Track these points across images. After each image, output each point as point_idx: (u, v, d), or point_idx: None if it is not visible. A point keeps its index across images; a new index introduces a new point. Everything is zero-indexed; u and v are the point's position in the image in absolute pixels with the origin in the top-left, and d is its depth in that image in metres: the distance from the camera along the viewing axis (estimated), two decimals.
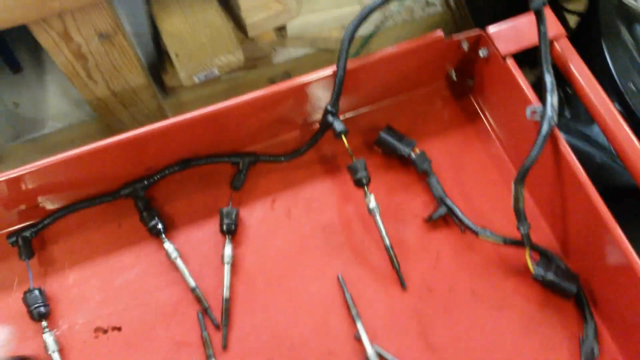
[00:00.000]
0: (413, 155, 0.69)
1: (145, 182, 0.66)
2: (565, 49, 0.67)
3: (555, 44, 0.68)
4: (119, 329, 0.63)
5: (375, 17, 1.09)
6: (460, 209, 0.67)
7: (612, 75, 0.81)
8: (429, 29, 1.13)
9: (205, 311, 0.63)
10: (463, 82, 0.76)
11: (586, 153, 0.83)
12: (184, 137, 0.65)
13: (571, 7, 0.99)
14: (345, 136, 0.64)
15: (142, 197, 0.66)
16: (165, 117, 0.99)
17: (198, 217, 0.68)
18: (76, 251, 0.66)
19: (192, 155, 0.68)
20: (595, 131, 0.85)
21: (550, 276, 0.62)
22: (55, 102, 0.99)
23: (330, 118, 0.65)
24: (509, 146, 0.72)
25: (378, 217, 0.64)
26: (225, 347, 0.62)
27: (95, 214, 0.67)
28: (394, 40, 1.12)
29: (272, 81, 1.07)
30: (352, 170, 0.65)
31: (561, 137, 0.62)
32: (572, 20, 0.98)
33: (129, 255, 0.66)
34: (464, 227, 0.67)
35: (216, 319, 0.63)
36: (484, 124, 0.75)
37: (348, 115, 0.75)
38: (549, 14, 0.69)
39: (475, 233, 0.65)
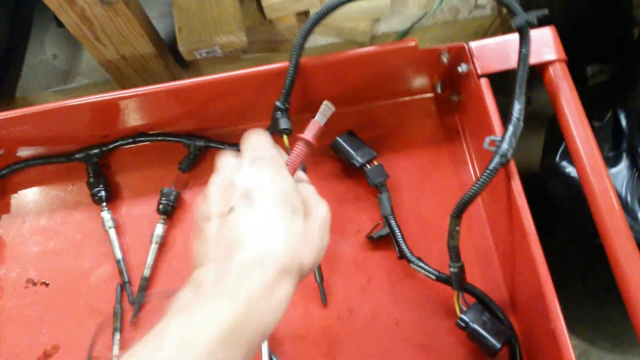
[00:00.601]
0: (367, 167, 0.64)
1: (98, 150, 0.67)
2: (559, 75, 0.58)
3: (550, 68, 0.59)
4: (47, 284, 0.66)
5: (413, 13, 1.02)
6: (406, 233, 0.61)
7: None
8: (472, 33, 1.05)
9: (124, 285, 0.64)
10: (448, 97, 0.68)
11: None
12: (141, 110, 0.66)
13: None
14: (288, 136, 0.61)
15: (94, 163, 0.68)
16: None
17: (144, 192, 0.68)
18: (30, 203, 0.69)
19: (150, 129, 0.69)
20: (614, 174, 0.73)
21: (475, 326, 0.55)
22: (86, 59, 1.04)
23: (278, 114, 0.61)
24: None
25: None
26: (133, 323, 0.63)
27: (54, 172, 0.70)
28: (430, 40, 1.05)
29: None
30: None
31: (516, 177, 0.54)
32: None
33: (73, 217, 0.68)
34: (400, 253, 0.61)
35: (133, 294, 0.64)
36: (462, 146, 0.67)
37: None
38: (553, 37, 0.60)
39: (408, 261, 0.59)
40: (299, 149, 0.47)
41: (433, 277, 0.58)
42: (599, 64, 0.93)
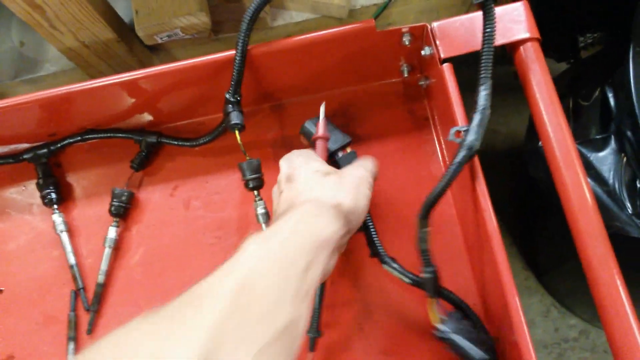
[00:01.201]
0: (340, 154, 0.59)
1: (46, 150, 0.64)
2: (530, 55, 0.53)
3: (521, 48, 0.53)
4: (1, 291, 0.63)
5: None
6: (380, 230, 0.57)
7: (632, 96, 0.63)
8: (458, 3, 0.98)
9: (77, 291, 0.61)
10: (417, 82, 0.63)
11: None
12: (89, 105, 0.62)
13: None
14: (240, 131, 0.57)
15: (43, 163, 0.64)
16: None
17: (96, 193, 0.65)
18: None
19: (99, 125, 0.65)
20: (601, 158, 0.68)
21: (456, 336, 0.50)
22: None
23: (229, 107, 0.57)
24: None
25: (264, 227, 0.57)
26: (90, 332, 0.60)
27: (5, 173, 0.67)
28: (414, 12, 0.98)
29: None
30: (241, 171, 0.57)
31: (479, 175, 0.49)
32: None
33: (25, 220, 0.65)
34: (372, 251, 0.57)
35: (88, 301, 0.61)
36: (432, 134, 0.63)
37: (286, 100, 0.66)
38: (525, 13, 0.54)
39: (382, 261, 0.55)
40: (320, 145, 0.55)
41: (408, 281, 0.54)
42: (592, 33, 0.86)
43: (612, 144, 0.67)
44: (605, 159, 0.67)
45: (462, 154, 0.47)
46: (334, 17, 0.95)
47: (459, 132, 0.50)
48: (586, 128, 0.69)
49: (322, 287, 0.55)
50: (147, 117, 0.64)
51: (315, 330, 0.55)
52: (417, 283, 0.54)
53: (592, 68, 0.74)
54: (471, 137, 0.47)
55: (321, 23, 0.97)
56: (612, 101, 0.67)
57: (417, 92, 0.64)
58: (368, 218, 0.58)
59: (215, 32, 0.93)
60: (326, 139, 0.56)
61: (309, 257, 0.38)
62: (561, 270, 1.15)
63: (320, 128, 0.55)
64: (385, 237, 0.57)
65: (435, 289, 0.52)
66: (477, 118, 0.48)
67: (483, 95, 0.48)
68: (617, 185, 0.66)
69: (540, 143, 0.71)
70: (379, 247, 0.56)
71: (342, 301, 0.58)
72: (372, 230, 0.57)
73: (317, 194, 0.46)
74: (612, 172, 0.67)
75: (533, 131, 0.74)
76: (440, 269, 0.51)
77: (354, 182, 0.48)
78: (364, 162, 0.52)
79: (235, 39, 0.97)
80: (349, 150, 0.59)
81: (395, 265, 0.55)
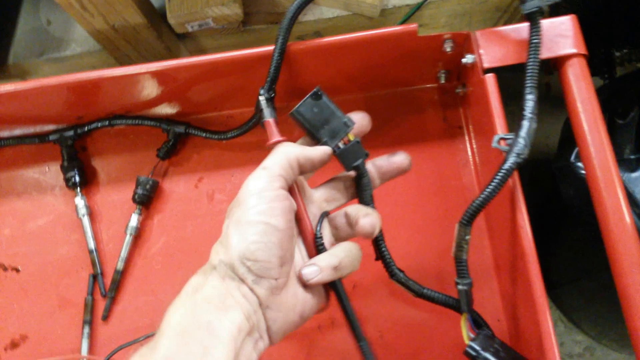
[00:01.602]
0: (340, 146, 0.45)
1: (72, 132, 0.63)
2: (576, 71, 0.51)
3: (567, 63, 0.52)
4: (18, 270, 0.63)
5: None
6: (393, 239, 0.55)
7: None
8: (492, 9, 0.97)
9: (95, 277, 0.61)
10: (453, 89, 0.62)
11: None
12: (119, 91, 0.61)
13: None
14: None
15: (68, 145, 0.63)
16: None
17: (120, 179, 0.64)
18: (3, 184, 0.66)
19: (128, 111, 0.64)
20: (634, 179, 0.67)
21: (488, 355, 0.46)
22: (81, 26, 0.99)
23: (262, 103, 0.56)
24: (484, 178, 0.59)
25: None
26: (105, 318, 0.60)
27: (29, 153, 0.66)
28: (446, 15, 0.97)
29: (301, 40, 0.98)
30: None
31: (518, 184, 0.48)
32: None
33: (46, 202, 0.65)
34: (378, 255, 0.51)
35: (106, 287, 0.61)
36: (465, 143, 0.61)
37: None
38: (573, 28, 0.52)
39: (389, 273, 0.52)
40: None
41: (412, 293, 0.52)
42: (631, 49, 0.85)
43: None
44: (639, 180, 0.66)
45: (511, 160, 0.45)
46: (365, 15, 0.94)
47: (503, 139, 0.49)
48: (620, 147, 0.67)
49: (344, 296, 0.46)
50: (176, 106, 0.63)
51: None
52: (428, 296, 0.52)
53: (631, 86, 0.73)
54: (521, 142, 0.46)
55: (352, 21, 0.96)
56: None
57: (452, 100, 0.62)
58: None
59: (244, 23, 0.92)
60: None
61: (200, 346, 0.34)
62: (574, 286, 1.13)
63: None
64: (406, 247, 0.56)
65: (469, 303, 0.49)
66: (525, 125, 0.46)
67: (530, 103, 0.47)
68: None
69: (572, 159, 0.70)
70: (389, 259, 0.51)
71: (362, 310, 0.57)
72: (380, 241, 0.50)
73: (210, 253, 0.42)
74: None
75: (565, 147, 0.73)
76: None
77: (238, 215, 0.39)
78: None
79: (264, 31, 0.96)
80: (351, 138, 0.46)
81: (401, 275, 0.51)
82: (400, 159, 0.47)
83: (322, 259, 0.40)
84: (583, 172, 0.69)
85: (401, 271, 0.50)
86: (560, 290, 1.24)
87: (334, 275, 0.40)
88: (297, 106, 0.45)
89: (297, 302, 0.40)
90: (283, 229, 0.38)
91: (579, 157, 0.70)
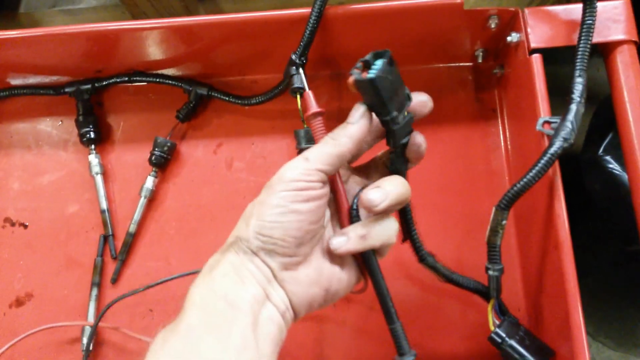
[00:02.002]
0: (399, 118, 0.38)
1: (89, 86, 0.60)
2: (625, 59, 0.49)
3: (616, 50, 0.49)
4: (26, 226, 0.61)
5: None
6: (424, 220, 0.53)
7: None
8: None
9: (106, 238, 0.59)
10: (490, 69, 0.59)
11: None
12: (141, 46, 0.58)
13: None
14: (302, 95, 0.53)
15: (85, 99, 0.61)
16: None
17: (137, 138, 0.62)
18: (15, 135, 0.63)
19: (150, 68, 0.61)
20: None
21: (513, 343, 0.46)
22: None
23: (292, 70, 0.53)
24: (515, 163, 0.57)
25: None
26: (114, 281, 0.58)
27: (43, 104, 0.63)
28: None
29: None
30: (296, 138, 0.54)
31: (558, 172, 0.46)
32: None
33: (59, 156, 0.62)
34: (405, 237, 0.48)
35: (117, 249, 0.59)
36: (497, 127, 0.59)
37: (348, 70, 0.62)
38: (625, 12, 0.50)
39: (419, 257, 0.51)
40: (315, 125, 0.42)
41: (441, 278, 0.50)
42: None
43: None
44: None
45: (557, 144, 0.43)
46: None
47: (547, 122, 0.47)
48: None
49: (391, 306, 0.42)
50: (199, 67, 0.61)
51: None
52: (456, 281, 0.50)
53: None
54: (568, 126, 0.44)
55: None
56: None
57: (487, 81, 0.60)
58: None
59: None
60: (321, 114, 0.43)
61: (221, 317, 0.34)
62: (582, 282, 1.13)
63: (309, 102, 0.43)
64: (431, 230, 0.55)
65: (498, 289, 0.48)
66: (573, 109, 0.44)
67: (579, 86, 0.45)
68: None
69: (600, 152, 0.68)
70: (417, 239, 0.49)
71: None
72: (409, 215, 0.46)
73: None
74: None
75: (593, 138, 0.71)
76: (484, 273, 0.48)
77: (263, 197, 0.37)
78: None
79: None
80: (406, 113, 0.40)
81: (430, 259, 0.50)
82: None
83: (351, 229, 0.38)
84: (611, 165, 0.68)
85: (431, 255, 0.48)
86: None
87: (362, 245, 0.38)
88: (375, 71, 0.36)
89: (321, 276, 0.38)
90: (305, 212, 0.36)
91: (607, 150, 0.68)
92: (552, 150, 0.43)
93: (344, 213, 0.40)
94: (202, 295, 0.35)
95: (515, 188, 0.43)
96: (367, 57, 0.38)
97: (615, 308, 1.11)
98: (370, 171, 0.44)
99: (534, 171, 0.42)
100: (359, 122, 0.38)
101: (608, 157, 0.67)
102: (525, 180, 0.42)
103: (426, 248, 0.48)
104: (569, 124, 0.43)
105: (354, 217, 0.39)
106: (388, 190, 0.37)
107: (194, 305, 0.35)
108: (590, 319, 1.25)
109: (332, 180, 0.40)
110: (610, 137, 0.67)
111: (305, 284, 0.38)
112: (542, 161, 0.42)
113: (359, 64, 0.38)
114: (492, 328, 0.47)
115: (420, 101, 0.41)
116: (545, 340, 0.49)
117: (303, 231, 0.36)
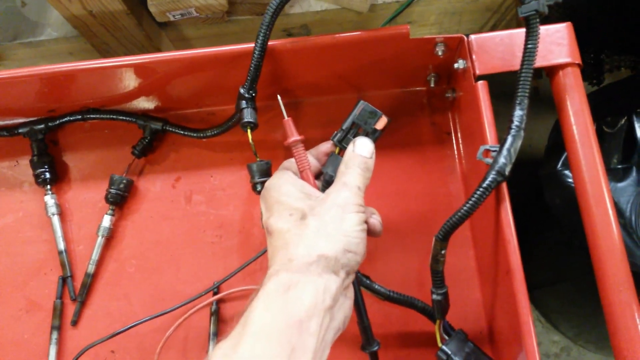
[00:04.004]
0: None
1: (43, 126, 0.60)
2: (570, 81, 0.50)
3: (560, 72, 0.50)
4: None
5: None
6: (383, 243, 0.55)
7: None
8: (483, 8, 0.95)
9: (65, 279, 0.58)
10: (443, 93, 0.60)
11: None
12: (94, 84, 0.57)
13: None
14: (252, 130, 0.53)
15: (39, 139, 0.60)
16: (158, 49, 0.92)
17: (93, 176, 0.62)
18: None
19: (103, 105, 0.61)
20: (620, 189, 0.66)
21: (456, 358, 0.49)
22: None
23: (242, 104, 0.53)
24: (471, 186, 0.57)
25: None
26: (74, 323, 0.57)
27: None
28: (436, 13, 0.95)
29: (288, 33, 0.95)
30: (250, 172, 0.54)
31: (506, 198, 0.46)
32: None
33: (15, 198, 0.62)
34: None
35: (76, 290, 0.58)
36: (453, 149, 0.60)
37: (304, 99, 0.63)
38: (568, 36, 0.51)
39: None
40: (297, 150, 0.45)
41: (380, 296, 0.52)
42: (620, 55, 0.84)
43: (634, 175, 0.65)
44: (625, 190, 0.65)
45: (490, 177, 0.44)
46: (354, 10, 0.92)
47: (488, 151, 0.47)
48: (607, 156, 0.67)
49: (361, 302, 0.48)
50: (154, 101, 0.61)
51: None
52: (395, 299, 0.52)
53: (620, 94, 0.72)
54: (502, 161, 0.44)
55: (340, 15, 0.94)
56: (638, 132, 0.65)
57: (441, 104, 0.61)
58: None
59: (228, 13, 0.88)
60: (302, 142, 0.46)
61: (288, 346, 0.33)
62: (554, 288, 1.14)
63: (288, 129, 0.46)
64: (390, 252, 0.55)
65: (443, 311, 0.50)
66: (509, 140, 0.45)
67: (518, 115, 0.45)
68: (633, 218, 0.64)
69: (559, 166, 0.69)
70: None
71: None
72: None
73: (292, 251, 0.38)
74: (629, 204, 0.65)
75: (553, 154, 0.71)
76: (449, 290, 0.49)
77: (336, 217, 0.39)
78: (349, 170, 0.42)
79: (249, 22, 0.93)
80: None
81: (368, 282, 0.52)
82: None
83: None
84: (570, 180, 0.69)
85: (366, 276, 0.50)
86: (539, 292, 1.25)
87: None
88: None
89: None
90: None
91: (565, 165, 0.69)
92: (485, 184, 0.43)
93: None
94: (270, 319, 0.34)
95: (450, 221, 0.44)
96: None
97: (594, 313, 1.12)
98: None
99: (468, 204, 0.43)
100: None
101: (566, 172, 0.68)
102: (460, 213, 0.43)
103: (381, 270, 0.50)
104: (503, 159, 0.44)
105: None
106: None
107: (259, 330, 0.34)
108: (569, 324, 1.26)
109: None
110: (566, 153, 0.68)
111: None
112: (475, 196, 0.43)
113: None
114: (440, 345, 0.50)
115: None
116: (504, 350, 0.50)
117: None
